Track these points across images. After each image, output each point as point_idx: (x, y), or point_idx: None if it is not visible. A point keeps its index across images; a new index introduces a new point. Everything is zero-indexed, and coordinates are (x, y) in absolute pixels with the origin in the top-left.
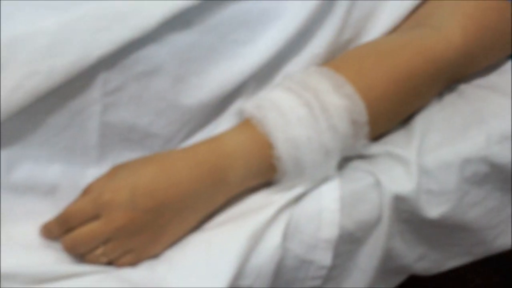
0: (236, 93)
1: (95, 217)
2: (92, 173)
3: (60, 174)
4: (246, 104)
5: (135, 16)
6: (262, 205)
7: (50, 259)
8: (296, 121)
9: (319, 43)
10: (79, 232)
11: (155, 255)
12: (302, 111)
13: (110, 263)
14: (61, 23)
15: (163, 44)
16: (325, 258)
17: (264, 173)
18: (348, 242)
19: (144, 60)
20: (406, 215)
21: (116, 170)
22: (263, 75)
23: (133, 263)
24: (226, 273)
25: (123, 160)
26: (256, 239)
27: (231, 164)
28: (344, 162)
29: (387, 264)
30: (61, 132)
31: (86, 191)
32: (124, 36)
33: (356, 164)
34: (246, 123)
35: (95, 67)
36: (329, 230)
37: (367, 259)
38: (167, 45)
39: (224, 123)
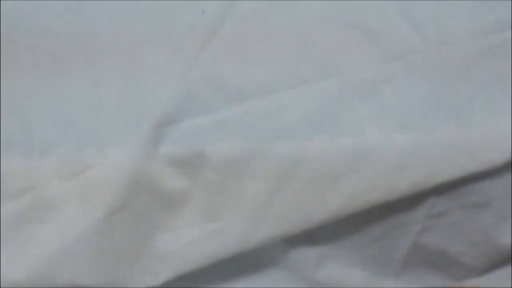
0: None
1: None
2: (388, 285)
3: (360, 280)
4: None
5: (485, 151)
6: None
7: None
8: None
9: None
10: None
11: None
12: None
13: None
14: (411, 141)
15: (497, 180)
16: None
17: None
18: None
19: (477, 193)
20: None
21: None
22: None
23: None
24: None
25: (420, 279)
26: None
27: None
28: None
29: None
30: (374, 241)
31: None
32: (470, 169)
33: None
34: None
35: (428, 191)
36: None
37: None
38: (500, 180)
39: None
